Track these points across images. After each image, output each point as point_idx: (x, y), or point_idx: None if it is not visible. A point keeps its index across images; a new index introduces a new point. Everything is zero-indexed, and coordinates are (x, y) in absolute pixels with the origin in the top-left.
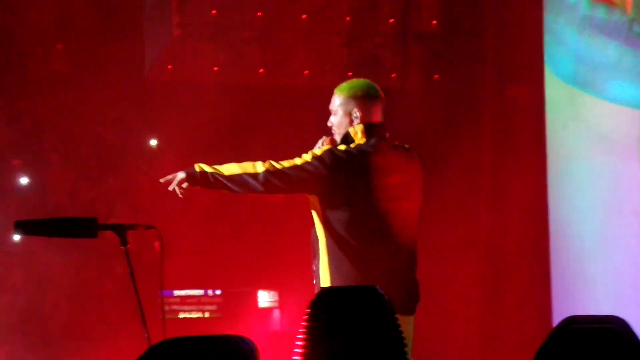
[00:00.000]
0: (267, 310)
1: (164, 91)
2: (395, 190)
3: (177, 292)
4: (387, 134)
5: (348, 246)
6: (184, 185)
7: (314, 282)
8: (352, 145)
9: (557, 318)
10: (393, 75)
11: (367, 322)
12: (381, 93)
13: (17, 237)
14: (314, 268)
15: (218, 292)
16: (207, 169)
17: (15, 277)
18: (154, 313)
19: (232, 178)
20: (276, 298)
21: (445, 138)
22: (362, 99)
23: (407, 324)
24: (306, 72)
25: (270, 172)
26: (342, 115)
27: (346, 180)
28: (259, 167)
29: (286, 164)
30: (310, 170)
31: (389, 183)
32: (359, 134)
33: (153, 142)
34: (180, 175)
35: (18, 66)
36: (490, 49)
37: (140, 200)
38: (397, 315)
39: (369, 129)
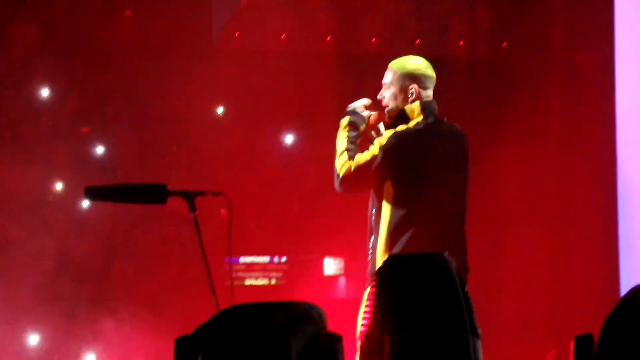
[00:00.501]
0: (333, 278)
1: (231, 59)
2: (452, 168)
3: (243, 259)
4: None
5: (407, 223)
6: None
7: (369, 258)
8: (410, 125)
9: (624, 285)
10: (461, 42)
11: (435, 290)
12: (433, 72)
13: (86, 204)
14: (370, 245)
15: (284, 259)
16: (342, 141)
17: (83, 244)
18: (219, 280)
19: (336, 160)
20: (342, 265)
21: (513, 105)
22: (420, 77)
23: None
24: (374, 39)
25: (342, 178)
26: (397, 91)
27: (409, 162)
28: (342, 167)
29: (361, 158)
30: (379, 162)
31: (447, 162)
32: (416, 112)
33: (220, 110)
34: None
35: (86, 34)
36: (560, 15)
37: (207, 168)
38: None
39: (426, 107)
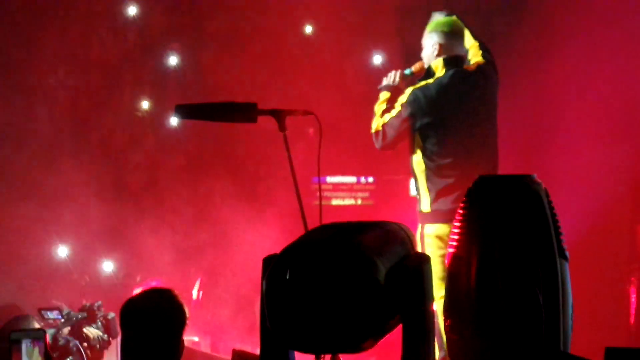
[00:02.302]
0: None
1: None
2: (472, 113)
3: (330, 179)
4: (466, 59)
5: (438, 167)
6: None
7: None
8: (431, 81)
9: None
10: None
11: (524, 211)
12: (459, 22)
13: (175, 121)
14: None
15: (370, 179)
16: (379, 106)
17: (172, 160)
18: (307, 199)
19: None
20: None
21: (613, 22)
22: (441, 34)
23: None
24: None
25: (378, 134)
26: (426, 48)
27: (430, 113)
28: (376, 125)
29: (387, 116)
30: (403, 117)
31: (466, 108)
32: (440, 68)
33: (308, 28)
34: (389, 80)
35: None
36: None
37: (296, 86)
38: None
39: (448, 62)
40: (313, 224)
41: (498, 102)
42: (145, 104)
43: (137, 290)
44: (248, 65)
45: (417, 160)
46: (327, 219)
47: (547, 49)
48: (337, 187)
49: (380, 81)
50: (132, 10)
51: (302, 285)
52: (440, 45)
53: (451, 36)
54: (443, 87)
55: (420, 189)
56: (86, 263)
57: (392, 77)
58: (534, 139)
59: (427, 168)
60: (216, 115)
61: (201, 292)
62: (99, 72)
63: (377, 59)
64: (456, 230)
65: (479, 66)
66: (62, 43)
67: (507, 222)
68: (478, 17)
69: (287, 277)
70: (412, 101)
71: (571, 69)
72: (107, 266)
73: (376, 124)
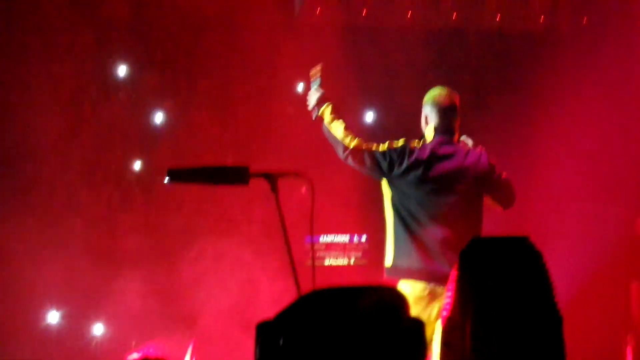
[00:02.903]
0: None
1: (313, 34)
2: (445, 181)
3: (322, 239)
4: (456, 132)
5: (405, 226)
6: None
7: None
8: (418, 144)
9: None
10: (542, 17)
11: (523, 273)
12: (453, 97)
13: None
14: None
15: (364, 238)
16: (327, 117)
17: (165, 221)
18: (299, 259)
19: (332, 136)
20: None
21: (594, 84)
22: (432, 106)
23: None
24: (454, 14)
25: (353, 152)
26: (422, 117)
27: (404, 173)
28: (352, 143)
29: (370, 147)
30: (384, 158)
31: (441, 176)
32: (430, 135)
33: (300, 87)
34: (312, 101)
35: (168, 10)
36: None
37: (288, 145)
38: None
39: (437, 131)
40: (306, 285)
41: (493, 190)
42: (137, 164)
43: (134, 356)
44: (240, 124)
45: (387, 208)
46: (321, 280)
47: (535, 106)
48: (329, 246)
49: (375, 136)
50: (122, 70)
51: (296, 353)
52: (427, 117)
53: (440, 109)
54: (423, 152)
55: (387, 240)
56: (78, 327)
57: (311, 100)
58: (523, 198)
59: (395, 220)
60: (208, 178)
61: (194, 359)
62: (91, 132)
63: (369, 117)
64: (449, 293)
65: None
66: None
67: (503, 286)
68: (470, 73)
69: (281, 344)
70: (393, 151)
71: (559, 128)
72: (98, 329)
73: (352, 137)
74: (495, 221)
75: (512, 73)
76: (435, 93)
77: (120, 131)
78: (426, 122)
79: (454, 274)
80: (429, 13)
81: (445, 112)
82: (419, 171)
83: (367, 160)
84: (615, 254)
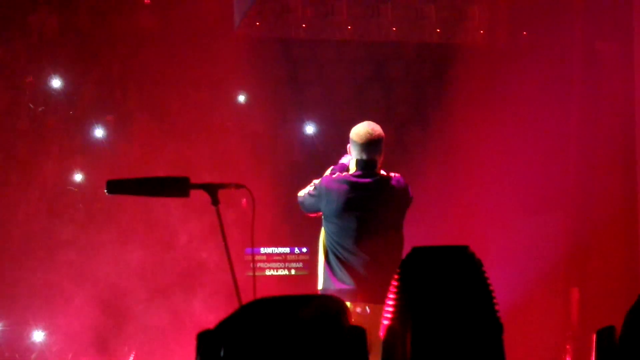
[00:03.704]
0: None
1: (253, 47)
2: (362, 210)
3: (263, 250)
4: (378, 165)
5: (329, 253)
6: None
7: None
8: (342, 175)
9: None
10: (481, 31)
11: (463, 281)
12: (373, 134)
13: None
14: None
15: (304, 249)
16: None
17: (103, 235)
18: (240, 270)
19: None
20: None
21: (534, 95)
22: (354, 141)
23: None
24: (394, 28)
25: (299, 200)
26: (348, 148)
27: (327, 202)
28: (300, 193)
29: (304, 191)
30: (314, 195)
31: (358, 205)
32: (353, 168)
33: (241, 98)
34: None
35: (105, 23)
36: (579, 3)
37: (228, 157)
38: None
39: (357, 164)
40: (247, 296)
41: (405, 209)
42: (77, 177)
43: None
44: (179, 136)
45: (322, 237)
46: (261, 290)
47: (474, 119)
48: (270, 257)
49: (315, 148)
50: (58, 83)
51: None
52: (350, 151)
53: (361, 144)
54: (345, 183)
55: (319, 267)
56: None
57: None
58: (462, 210)
59: (327, 247)
60: (148, 190)
61: None
62: (27, 143)
63: (309, 129)
64: (390, 302)
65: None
66: None
67: (443, 294)
68: (409, 86)
69: (222, 354)
70: (318, 186)
71: (498, 139)
72: (38, 336)
73: (303, 191)
74: (435, 232)
75: (450, 86)
76: (357, 129)
77: (58, 144)
78: (352, 154)
79: (394, 283)
80: (368, 27)
81: (366, 147)
82: (342, 203)
83: (304, 204)
84: (554, 261)
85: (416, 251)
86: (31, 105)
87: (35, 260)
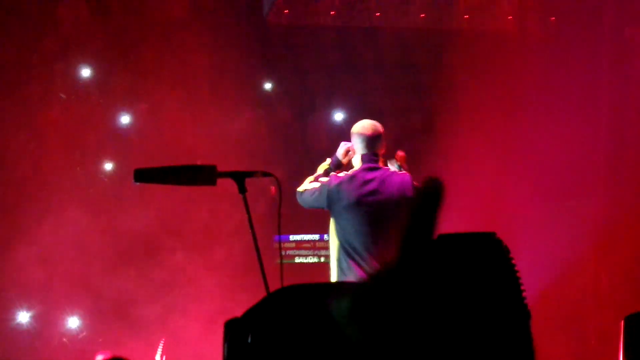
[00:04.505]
0: None
1: (281, 34)
2: (372, 205)
3: (292, 237)
4: (380, 157)
5: (341, 247)
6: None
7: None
8: (349, 172)
9: None
10: (509, 17)
11: (488, 268)
12: (376, 129)
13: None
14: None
15: None
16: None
17: (131, 221)
18: (269, 258)
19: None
20: None
21: (562, 81)
22: (359, 136)
23: None
24: (422, 15)
25: (299, 194)
26: (351, 146)
27: (337, 200)
28: (300, 188)
29: (309, 186)
30: (318, 193)
31: (368, 200)
32: (357, 163)
33: (268, 86)
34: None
35: (136, 11)
36: None
37: (257, 144)
38: None
39: (362, 159)
40: (274, 283)
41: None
42: (107, 166)
43: (100, 358)
44: (209, 125)
45: (331, 233)
46: (290, 278)
47: (505, 105)
48: (299, 244)
49: (344, 136)
50: (89, 73)
51: (264, 350)
52: (354, 146)
53: (365, 138)
54: (352, 180)
55: (331, 261)
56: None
57: (341, 150)
58: (491, 196)
59: (337, 244)
60: (176, 178)
61: (164, 357)
62: (59, 134)
63: (338, 117)
64: None
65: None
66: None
67: (469, 280)
68: (438, 72)
69: (249, 342)
70: (326, 184)
71: (529, 126)
72: (73, 322)
73: (303, 186)
74: (462, 218)
75: (480, 72)
76: (362, 124)
77: (89, 133)
78: (354, 152)
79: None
80: (397, 14)
81: (372, 141)
82: (351, 200)
83: (306, 200)
84: (582, 248)
85: (442, 238)
86: (62, 95)
87: (67, 250)
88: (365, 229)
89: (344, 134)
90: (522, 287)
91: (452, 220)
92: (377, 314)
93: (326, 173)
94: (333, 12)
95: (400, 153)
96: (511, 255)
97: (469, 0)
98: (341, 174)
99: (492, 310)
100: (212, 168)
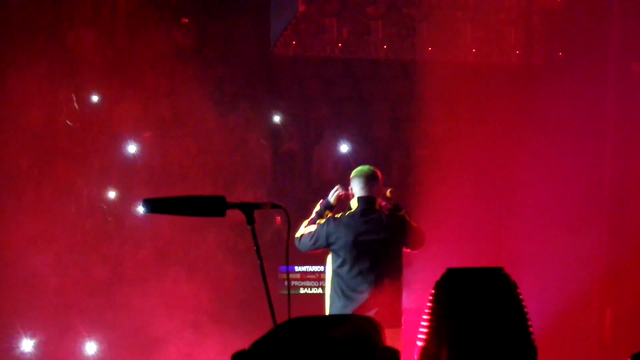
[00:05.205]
0: None
1: (289, 66)
2: (368, 244)
3: (298, 268)
4: (375, 200)
5: (338, 282)
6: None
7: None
8: (346, 214)
9: None
10: (517, 51)
11: (498, 304)
12: (373, 174)
13: (142, 214)
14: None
15: None
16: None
17: (140, 252)
18: (273, 288)
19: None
20: None
21: (568, 115)
22: (357, 179)
23: (394, 335)
24: (430, 48)
25: (297, 240)
26: (351, 188)
27: (336, 239)
28: (297, 234)
29: (305, 230)
30: (316, 235)
31: (364, 239)
32: (354, 205)
33: (275, 117)
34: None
35: (142, 40)
36: (616, 25)
37: (264, 175)
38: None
39: (359, 201)
40: (281, 314)
41: (406, 239)
42: (111, 194)
43: None
44: (216, 155)
45: (327, 268)
46: (295, 309)
47: (509, 136)
48: (304, 275)
49: (351, 166)
50: (95, 100)
51: None
52: (352, 189)
53: (365, 181)
54: (350, 220)
55: (326, 294)
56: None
57: (333, 194)
58: (496, 228)
59: (332, 277)
60: (185, 209)
61: None
62: (64, 160)
63: (344, 148)
64: (425, 324)
65: (389, 211)
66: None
67: (478, 316)
68: (443, 105)
69: None
70: (324, 225)
71: (535, 156)
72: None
73: (300, 231)
74: (468, 250)
75: (485, 105)
76: (360, 169)
77: (94, 161)
78: (352, 195)
79: (428, 304)
80: (404, 46)
81: (367, 185)
82: (349, 239)
83: (305, 243)
84: (588, 281)
85: (451, 272)
86: (68, 122)
87: (69, 276)
88: (360, 267)
89: (349, 164)
90: (529, 323)
91: (459, 254)
92: (377, 347)
93: (319, 215)
94: (340, 45)
95: (388, 192)
96: (519, 290)
97: (476, 33)
98: (338, 215)
99: (500, 345)
100: (222, 199)
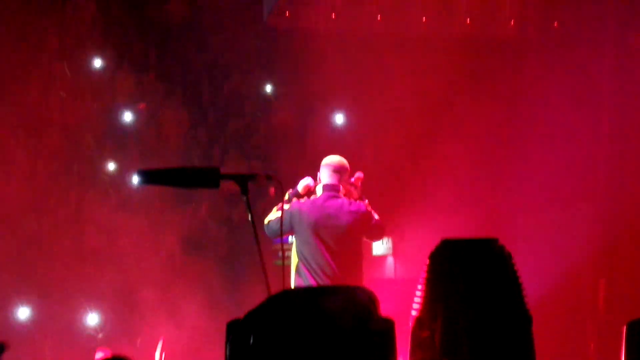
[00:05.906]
0: (381, 258)
1: (281, 38)
2: (329, 227)
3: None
4: (339, 188)
5: (300, 265)
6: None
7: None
8: (310, 198)
9: None
10: (512, 22)
11: (492, 273)
12: (341, 164)
13: (136, 185)
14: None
15: None
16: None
17: (134, 221)
18: (267, 259)
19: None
20: (390, 245)
21: (565, 87)
22: (326, 167)
23: None
24: (424, 19)
25: (265, 226)
26: (318, 178)
27: (299, 221)
28: (265, 220)
29: (273, 217)
30: (285, 219)
31: (325, 223)
32: (319, 191)
33: (268, 88)
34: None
35: (137, 11)
36: None
37: (258, 146)
38: None
39: (324, 189)
40: (275, 284)
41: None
42: (109, 165)
43: (100, 355)
44: (209, 126)
45: (293, 248)
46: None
47: (506, 109)
48: None
49: (344, 139)
50: (91, 70)
51: (266, 351)
52: (319, 177)
53: (332, 170)
54: (313, 205)
55: (291, 271)
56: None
57: (301, 184)
58: (493, 201)
59: (296, 257)
60: (179, 181)
61: (164, 354)
62: (60, 132)
63: (339, 119)
64: (420, 294)
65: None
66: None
67: (472, 286)
68: (438, 77)
69: (251, 343)
70: (289, 209)
71: (531, 129)
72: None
73: (268, 217)
74: (465, 222)
75: (482, 77)
76: (329, 158)
77: (88, 132)
78: (319, 181)
79: (423, 275)
80: (397, 18)
81: (333, 174)
82: (310, 221)
83: (273, 229)
84: (582, 252)
85: (445, 243)
86: (62, 94)
87: (63, 248)
88: (321, 248)
89: (343, 136)
90: (524, 292)
91: (455, 225)
92: (372, 317)
93: (286, 202)
94: (334, 15)
95: (358, 175)
96: (514, 261)
97: (470, 4)
98: (302, 200)
99: (495, 314)
100: (216, 171)
